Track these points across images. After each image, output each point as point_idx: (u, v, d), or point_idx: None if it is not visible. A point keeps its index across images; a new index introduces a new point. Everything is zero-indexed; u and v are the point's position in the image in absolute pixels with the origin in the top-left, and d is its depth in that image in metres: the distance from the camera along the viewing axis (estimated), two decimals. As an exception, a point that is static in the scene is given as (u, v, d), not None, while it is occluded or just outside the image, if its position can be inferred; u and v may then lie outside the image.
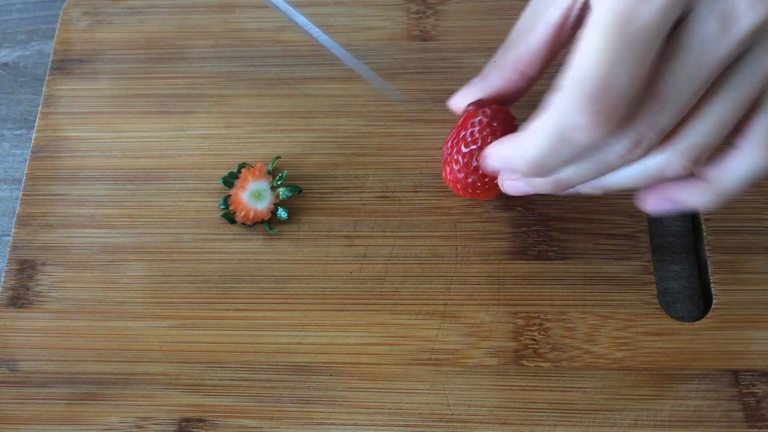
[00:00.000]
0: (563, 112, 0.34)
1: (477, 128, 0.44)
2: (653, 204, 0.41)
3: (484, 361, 0.45)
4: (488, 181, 0.45)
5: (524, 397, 0.44)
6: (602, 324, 0.45)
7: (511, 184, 0.43)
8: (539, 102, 0.36)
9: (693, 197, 0.39)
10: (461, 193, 0.46)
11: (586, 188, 0.41)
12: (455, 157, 0.45)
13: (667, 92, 0.34)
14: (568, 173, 0.38)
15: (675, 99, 0.34)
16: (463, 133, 0.44)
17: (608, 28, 0.32)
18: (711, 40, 0.33)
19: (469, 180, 0.45)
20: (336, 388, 0.45)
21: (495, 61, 0.43)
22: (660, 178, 0.38)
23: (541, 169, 0.37)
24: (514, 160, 0.38)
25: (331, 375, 0.45)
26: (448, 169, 0.45)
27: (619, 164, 0.37)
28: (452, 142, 0.45)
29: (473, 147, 0.44)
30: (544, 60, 0.42)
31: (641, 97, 0.34)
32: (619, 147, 0.35)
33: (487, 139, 0.43)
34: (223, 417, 0.44)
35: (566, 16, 0.40)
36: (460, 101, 0.46)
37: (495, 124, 0.43)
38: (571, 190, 0.42)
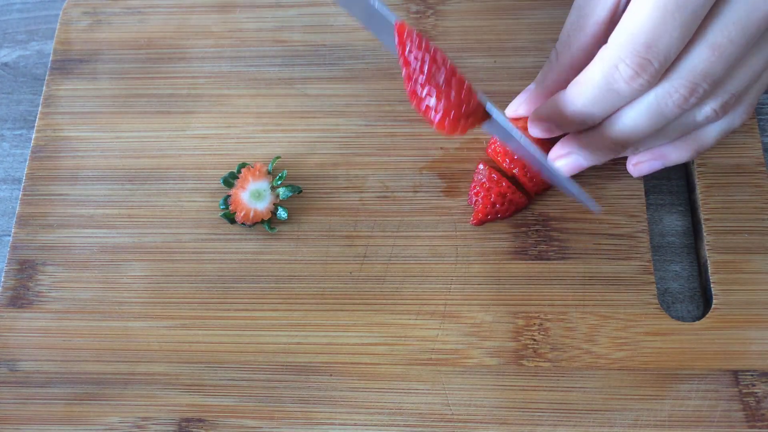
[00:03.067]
0: (610, 63, 0.38)
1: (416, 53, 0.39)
2: (646, 166, 0.46)
3: (484, 361, 0.45)
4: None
5: (524, 397, 0.44)
6: (602, 324, 0.45)
7: (567, 162, 0.45)
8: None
9: (678, 153, 0.45)
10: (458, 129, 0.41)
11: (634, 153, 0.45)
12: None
13: (723, 45, 0.37)
14: (625, 129, 0.42)
15: (729, 52, 0.37)
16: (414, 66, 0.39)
17: None
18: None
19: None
20: (336, 388, 0.45)
21: (550, 63, 0.45)
22: (695, 126, 0.43)
23: (587, 119, 0.42)
24: (562, 116, 0.42)
25: (331, 375, 0.45)
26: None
27: (676, 114, 0.40)
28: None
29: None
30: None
31: (689, 51, 0.38)
32: (677, 96, 0.39)
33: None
34: (223, 417, 0.44)
35: (614, 12, 0.41)
36: (519, 108, 0.47)
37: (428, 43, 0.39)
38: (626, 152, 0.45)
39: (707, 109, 0.41)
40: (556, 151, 0.45)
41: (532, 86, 0.46)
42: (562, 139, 0.45)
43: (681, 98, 0.39)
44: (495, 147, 0.48)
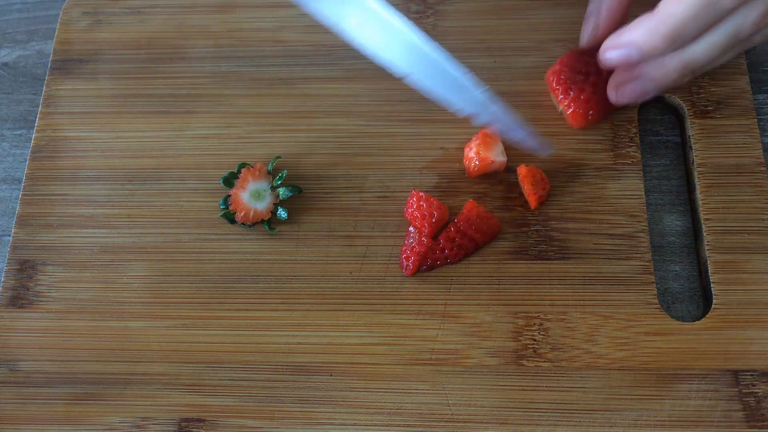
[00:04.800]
0: None
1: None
2: (629, 88, 0.46)
3: (484, 361, 0.45)
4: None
5: (524, 397, 0.44)
6: (602, 324, 0.45)
7: (630, 87, 0.45)
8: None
9: (665, 73, 0.45)
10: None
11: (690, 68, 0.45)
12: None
13: None
14: (699, 50, 0.42)
15: None
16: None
17: None
18: None
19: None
20: (336, 388, 0.45)
21: None
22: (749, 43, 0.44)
23: (679, 39, 0.41)
24: (648, 37, 0.41)
25: (331, 375, 0.45)
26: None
27: (752, 32, 0.41)
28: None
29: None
30: None
31: None
32: (755, 14, 0.40)
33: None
34: (223, 417, 0.44)
35: None
36: (591, 35, 0.47)
37: None
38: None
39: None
40: (621, 75, 0.45)
41: (592, 7, 0.46)
42: (628, 67, 0.45)
43: (760, 15, 0.40)
44: (412, 212, 0.47)
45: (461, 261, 0.47)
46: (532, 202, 0.48)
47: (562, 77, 0.49)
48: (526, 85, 0.46)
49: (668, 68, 0.44)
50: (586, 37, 0.47)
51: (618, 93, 0.46)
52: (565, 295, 0.46)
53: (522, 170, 0.48)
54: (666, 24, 0.41)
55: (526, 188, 0.47)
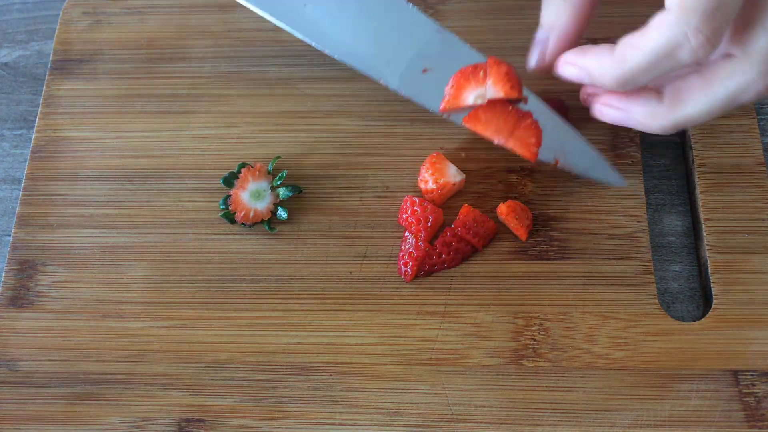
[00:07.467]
0: (676, 30, 0.37)
1: None
2: (613, 114, 0.44)
3: (484, 361, 0.45)
4: None
5: (524, 397, 0.44)
6: (602, 324, 0.45)
7: (613, 113, 0.44)
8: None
9: (653, 124, 0.43)
10: None
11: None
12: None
13: None
14: (695, 112, 0.41)
15: None
16: None
17: None
18: None
19: None
20: (336, 388, 0.45)
21: (556, 4, 0.43)
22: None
23: (629, 84, 0.40)
24: (601, 73, 0.41)
25: (331, 375, 0.45)
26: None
27: (752, 99, 0.40)
28: None
29: None
30: None
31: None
32: (746, 78, 0.39)
33: None
34: (223, 417, 0.44)
35: None
36: (546, 57, 0.45)
37: None
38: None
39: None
40: (609, 100, 0.44)
41: (542, 34, 0.45)
42: (615, 96, 0.44)
43: (766, 86, 0.39)
44: (407, 218, 0.47)
45: (460, 264, 0.47)
46: (522, 235, 0.47)
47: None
48: (525, 85, 0.46)
49: (657, 122, 0.42)
50: (532, 63, 0.46)
51: (601, 111, 0.45)
52: (565, 295, 0.46)
53: (501, 210, 0.47)
54: (619, 68, 0.40)
55: (512, 224, 0.47)
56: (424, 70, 0.47)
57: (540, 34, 0.45)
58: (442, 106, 0.46)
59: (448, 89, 0.46)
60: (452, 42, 0.48)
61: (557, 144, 0.47)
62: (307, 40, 0.48)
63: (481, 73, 0.45)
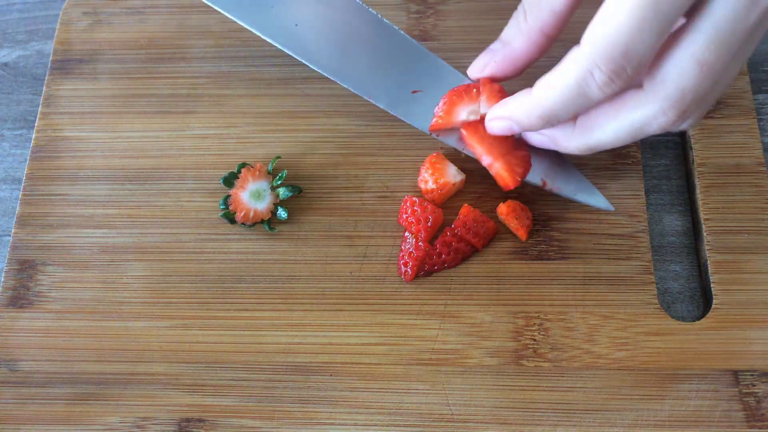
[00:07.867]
0: (584, 67, 0.37)
1: None
2: (539, 140, 0.45)
3: (484, 361, 0.45)
4: None
5: (524, 397, 0.44)
6: (602, 324, 0.45)
7: (536, 137, 0.45)
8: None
9: (569, 145, 0.44)
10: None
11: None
12: None
13: (710, 62, 0.36)
14: (605, 139, 0.42)
15: (716, 68, 0.36)
16: None
17: None
18: (741, 11, 0.35)
19: None
20: (336, 388, 0.45)
21: (518, 23, 0.44)
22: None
23: (552, 120, 0.41)
24: (525, 115, 0.41)
25: (331, 375, 0.45)
26: None
27: (657, 132, 0.40)
28: None
29: None
30: (567, 20, 0.43)
31: (671, 62, 0.37)
32: (665, 119, 0.39)
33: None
34: (223, 417, 0.44)
35: None
36: (484, 70, 0.46)
37: None
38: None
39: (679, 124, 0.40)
40: (532, 137, 0.45)
41: (496, 45, 0.45)
42: (531, 134, 0.45)
43: (669, 121, 0.39)
44: (407, 218, 0.47)
45: (460, 264, 0.47)
46: (522, 235, 0.47)
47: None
48: (524, 85, 0.46)
49: (573, 144, 0.43)
50: (475, 71, 0.46)
51: (528, 137, 0.46)
52: (565, 295, 0.46)
53: (501, 210, 0.47)
54: (538, 107, 0.41)
55: (512, 224, 0.47)
56: (414, 92, 0.48)
57: (494, 45, 0.46)
58: (432, 124, 0.47)
59: (439, 108, 0.46)
60: (441, 66, 0.49)
61: (545, 166, 0.47)
62: (299, 58, 0.48)
63: (474, 90, 0.46)
